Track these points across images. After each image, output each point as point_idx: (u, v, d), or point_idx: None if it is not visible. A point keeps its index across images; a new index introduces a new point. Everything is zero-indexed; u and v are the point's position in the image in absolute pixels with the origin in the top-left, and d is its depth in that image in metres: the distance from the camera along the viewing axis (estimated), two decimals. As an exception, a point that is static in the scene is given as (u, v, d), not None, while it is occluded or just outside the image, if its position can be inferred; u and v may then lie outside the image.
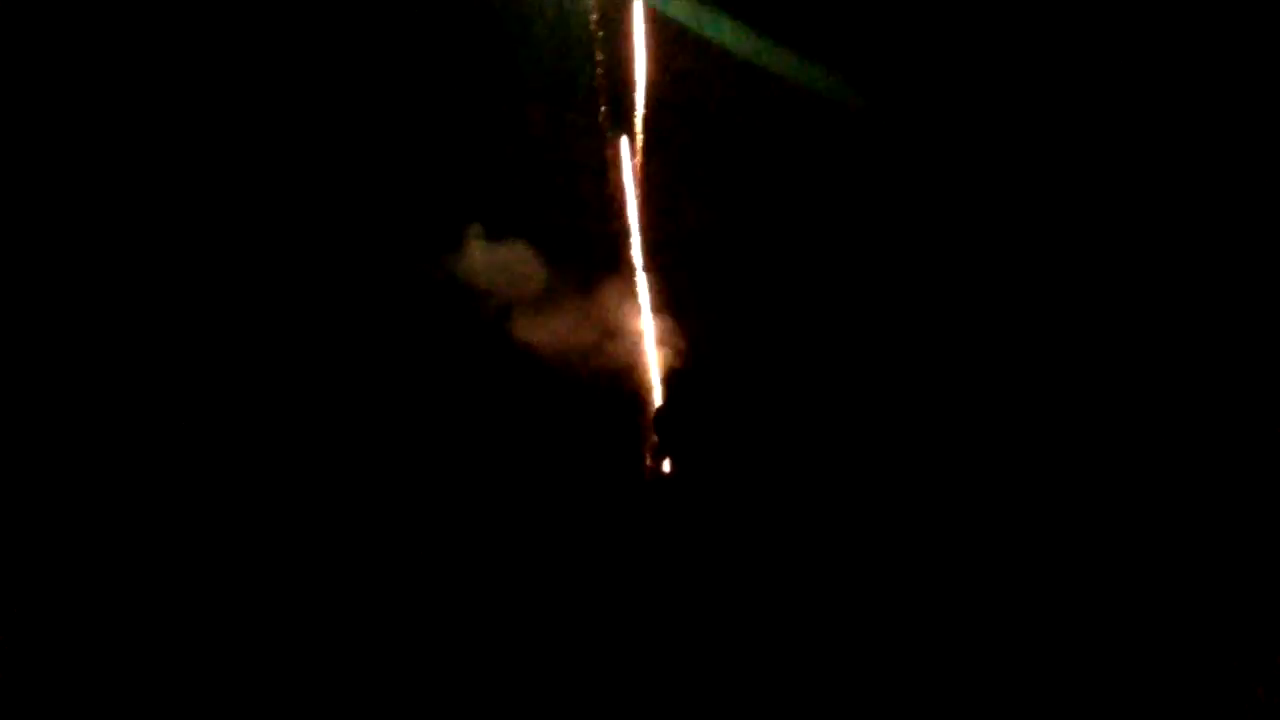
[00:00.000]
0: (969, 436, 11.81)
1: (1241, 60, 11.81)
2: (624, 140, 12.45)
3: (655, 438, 12.16)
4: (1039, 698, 10.71)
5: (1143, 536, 11.20)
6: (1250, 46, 11.80)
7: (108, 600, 10.88)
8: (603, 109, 12.41)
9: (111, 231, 11.92)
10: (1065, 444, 11.69)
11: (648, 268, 12.45)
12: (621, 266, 12.46)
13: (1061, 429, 11.75)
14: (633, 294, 12.44)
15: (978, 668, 10.84)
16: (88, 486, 11.23)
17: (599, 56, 12.34)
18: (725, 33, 12.30)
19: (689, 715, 10.95)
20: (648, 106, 12.45)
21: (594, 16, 12.23)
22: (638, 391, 12.36)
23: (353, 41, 12.39)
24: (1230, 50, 11.85)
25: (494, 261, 12.26)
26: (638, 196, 12.45)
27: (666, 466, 12.06)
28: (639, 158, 12.46)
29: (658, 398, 12.33)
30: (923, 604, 11.19)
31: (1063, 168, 12.17)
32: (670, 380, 12.37)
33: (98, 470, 11.31)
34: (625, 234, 12.47)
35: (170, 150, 12.13)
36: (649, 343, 12.41)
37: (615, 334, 12.38)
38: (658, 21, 12.33)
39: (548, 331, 12.23)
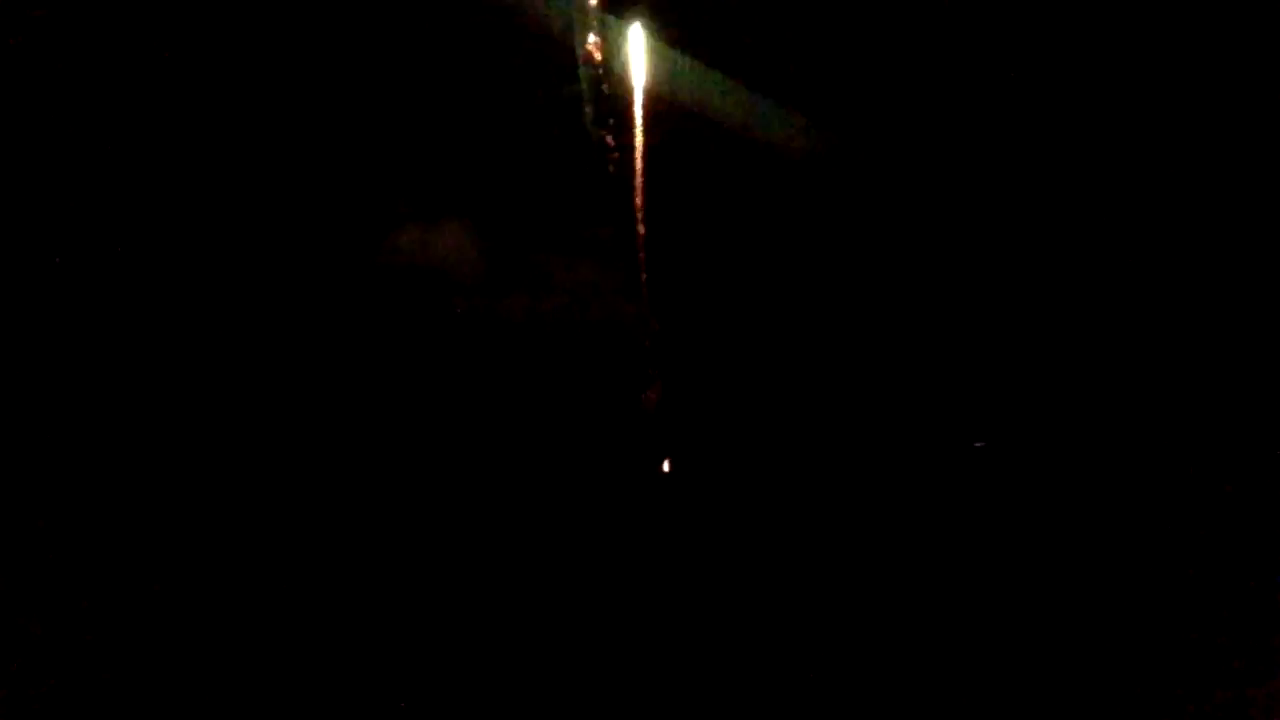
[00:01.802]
0: (968, 436, 11.81)
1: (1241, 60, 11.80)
2: (625, 137, 12.42)
3: (654, 429, 12.15)
4: (1039, 697, 10.73)
5: (1142, 536, 11.23)
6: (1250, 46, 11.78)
7: (107, 600, 10.88)
8: (604, 103, 12.38)
9: (102, 229, 11.90)
10: (1065, 441, 11.70)
11: (649, 266, 12.43)
12: (623, 264, 12.44)
13: (1061, 427, 11.76)
14: (634, 290, 12.42)
15: (977, 667, 10.86)
16: (86, 486, 11.23)
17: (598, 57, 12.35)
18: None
19: (689, 714, 10.96)
20: (649, 100, 12.41)
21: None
22: (638, 385, 12.35)
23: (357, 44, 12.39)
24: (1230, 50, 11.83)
25: (495, 256, 12.24)
26: (640, 192, 12.43)
27: (666, 465, 12.06)
28: (641, 152, 12.43)
29: (657, 393, 12.32)
30: (922, 602, 11.21)
31: (1063, 168, 12.16)
32: (670, 375, 12.36)
33: (95, 469, 11.30)
34: (627, 232, 12.45)
35: (161, 145, 12.10)
36: (649, 340, 12.39)
37: (616, 330, 12.36)
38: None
39: (549, 327, 12.21)
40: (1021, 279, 12.03)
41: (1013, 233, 12.08)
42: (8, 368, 11.31)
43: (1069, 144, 12.09)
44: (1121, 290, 11.91)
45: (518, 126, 12.44)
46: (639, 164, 12.32)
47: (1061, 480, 11.51)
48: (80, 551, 11.00)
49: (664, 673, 11.07)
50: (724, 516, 11.79)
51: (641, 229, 12.34)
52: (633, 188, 12.34)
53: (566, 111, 12.37)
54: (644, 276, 12.30)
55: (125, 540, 11.07)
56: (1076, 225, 12.05)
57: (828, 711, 10.92)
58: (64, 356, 11.45)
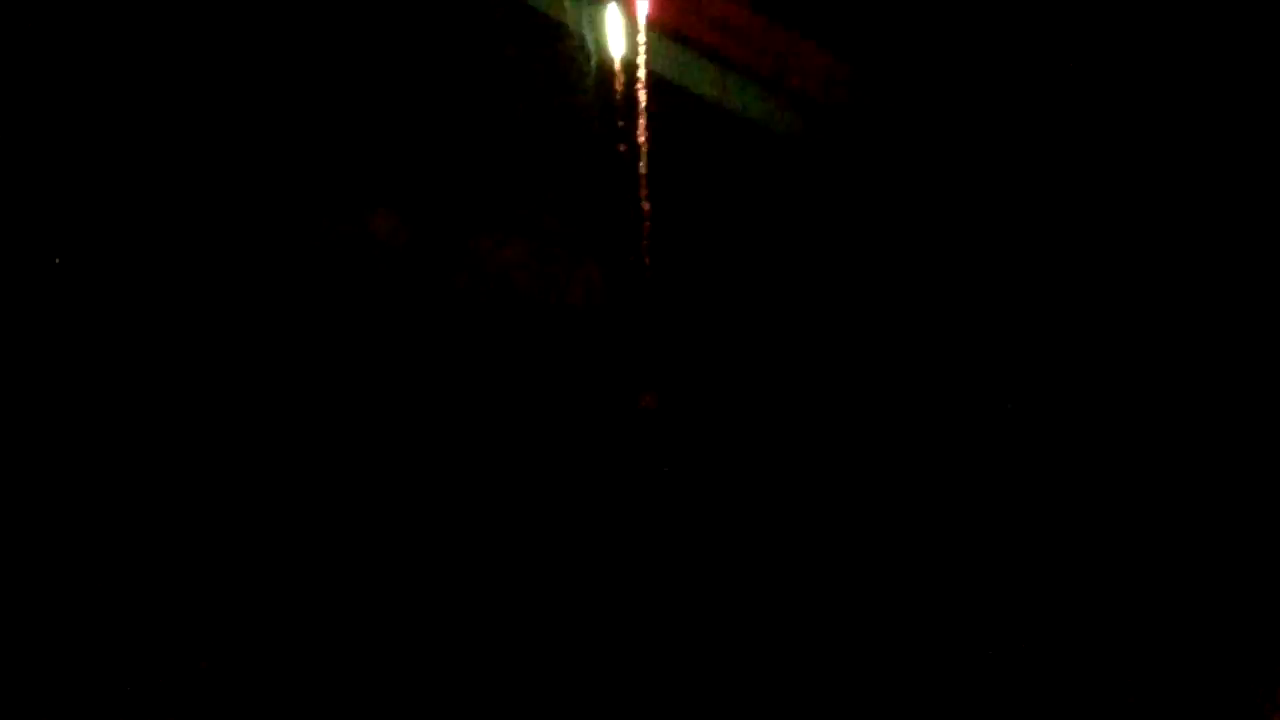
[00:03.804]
0: (968, 436, 11.83)
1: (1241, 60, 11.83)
2: (624, 137, 12.43)
3: (653, 430, 12.17)
4: (1038, 698, 10.75)
5: (1142, 537, 11.25)
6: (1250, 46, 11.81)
7: (107, 600, 10.89)
8: (603, 103, 12.39)
9: (111, 230, 11.92)
10: (1064, 443, 11.73)
11: (649, 264, 12.44)
12: (622, 263, 12.44)
13: (1060, 428, 11.78)
14: (633, 291, 12.43)
15: (977, 668, 10.88)
16: (87, 486, 11.25)
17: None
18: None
19: (689, 715, 10.96)
20: (649, 102, 12.42)
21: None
22: (637, 385, 12.36)
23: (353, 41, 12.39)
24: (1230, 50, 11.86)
25: (494, 255, 12.25)
26: (639, 191, 12.43)
27: (666, 466, 12.07)
28: (640, 156, 12.44)
29: (657, 396, 12.33)
30: (922, 603, 11.23)
31: (1062, 168, 12.18)
32: (670, 378, 12.37)
33: (97, 470, 11.32)
34: (626, 231, 12.46)
35: (166, 147, 12.12)
36: (648, 339, 12.41)
37: (620, 334, 12.38)
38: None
39: (546, 326, 12.22)
40: (1028, 269, 12.06)
41: (1019, 220, 12.11)
42: (7, 368, 11.34)
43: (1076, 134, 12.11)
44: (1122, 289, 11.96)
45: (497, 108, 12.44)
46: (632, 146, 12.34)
47: (1058, 480, 11.56)
48: (80, 551, 11.02)
49: (660, 671, 11.09)
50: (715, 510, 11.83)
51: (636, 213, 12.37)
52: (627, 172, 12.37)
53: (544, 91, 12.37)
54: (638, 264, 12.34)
55: (124, 540, 11.11)
56: (1084, 217, 12.09)
57: (828, 711, 10.94)
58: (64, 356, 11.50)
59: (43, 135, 11.75)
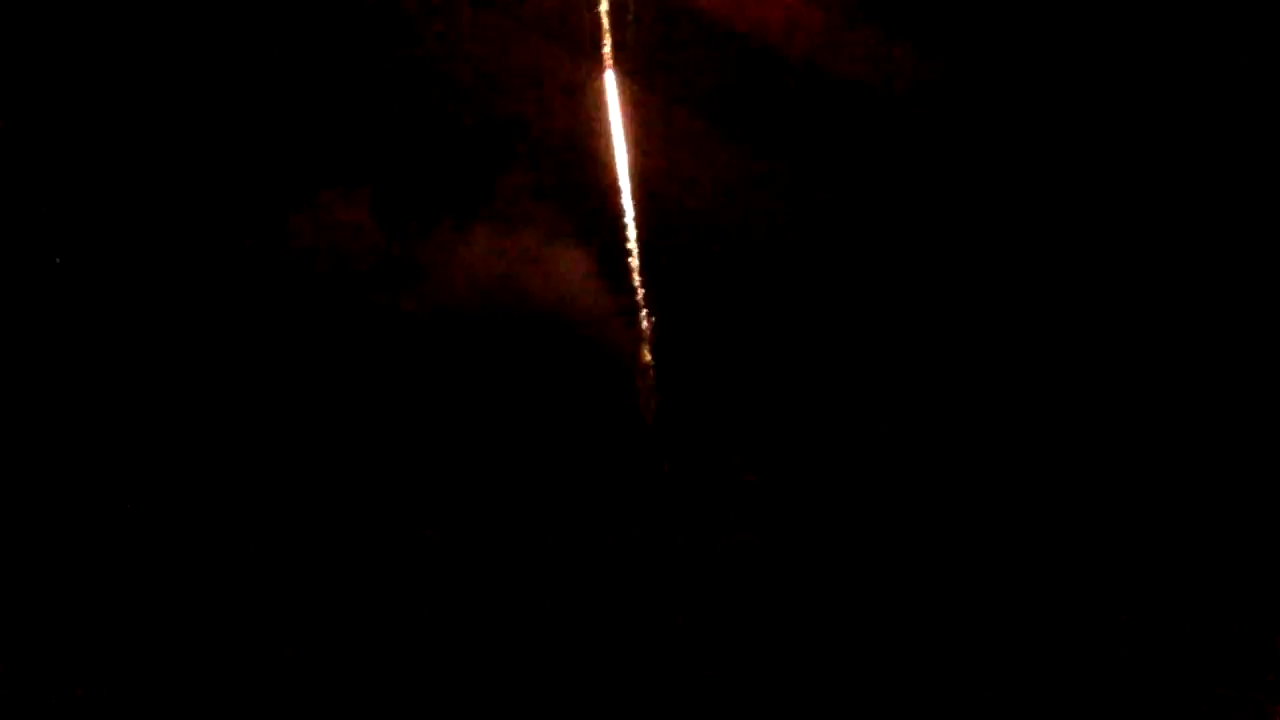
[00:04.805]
0: (968, 436, 11.80)
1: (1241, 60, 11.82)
2: (622, 131, 12.42)
3: (654, 432, 12.16)
4: (1038, 697, 10.73)
5: (1143, 537, 11.23)
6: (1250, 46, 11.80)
7: (108, 600, 10.90)
8: (600, 101, 12.38)
9: (109, 230, 11.94)
10: (1065, 443, 11.70)
11: (649, 266, 12.43)
12: (623, 265, 12.44)
13: (1061, 429, 11.76)
14: (634, 293, 12.42)
15: (977, 667, 10.86)
16: (88, 487, 11.26)
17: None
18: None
19: (689, 714, 10.95)
20: (645, 97, 12.41)
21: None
22: (638, 386, 12.34)
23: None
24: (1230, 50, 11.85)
25: (496, 256, 12.25)
26: (635, 187, 12.42)
27: (666, 465, 12.06)
28: (635, 150, 12.43)
29: (658, 397, 12.32)
30: (922, 603, 11.20)
31: (1063, 168, 12.16)
32: (670, 380, 12.36)
33: (98, 470, 11.33)
34: (625, 229, 12.45)
35: (161, 143, 12.14)
36: (649, 340, 12.40)
37: (616, 332, 12.37)
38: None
39: (547, 328, 12.21)
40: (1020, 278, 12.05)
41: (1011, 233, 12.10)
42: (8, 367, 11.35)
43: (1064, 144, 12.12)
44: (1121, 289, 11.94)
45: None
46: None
47: (1059, 479, 11.53)
48: (74, 548, 11.03)
49: (659, 670, 11.07)
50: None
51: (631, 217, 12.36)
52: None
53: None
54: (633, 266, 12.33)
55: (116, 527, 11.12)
56: (1071, 226, 12.08)
57: (829, 711, 10.92)
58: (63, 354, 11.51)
59: (37, 139, 11.78)
